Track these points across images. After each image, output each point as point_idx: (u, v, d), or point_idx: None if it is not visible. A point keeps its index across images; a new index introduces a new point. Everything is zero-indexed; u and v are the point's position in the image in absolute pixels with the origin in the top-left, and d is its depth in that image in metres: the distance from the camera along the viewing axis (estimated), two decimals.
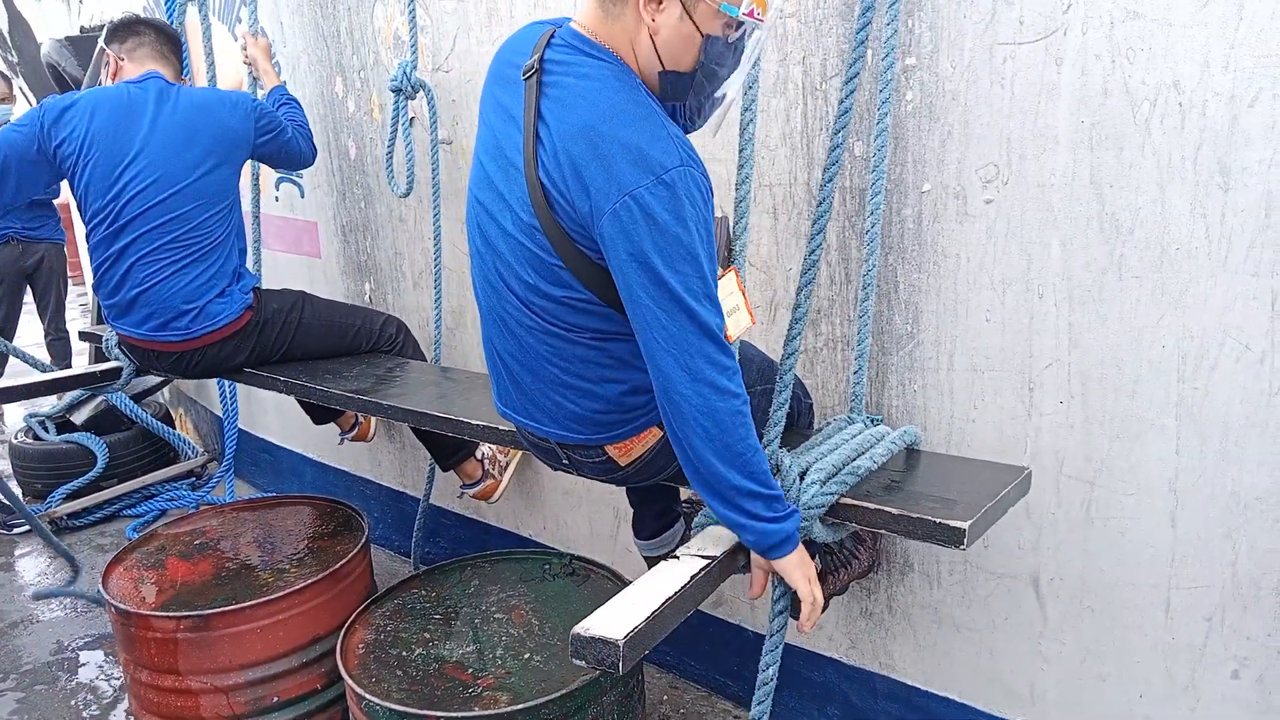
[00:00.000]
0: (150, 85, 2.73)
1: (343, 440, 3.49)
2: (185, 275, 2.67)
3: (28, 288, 5.62)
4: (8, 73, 6.34)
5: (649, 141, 1.49)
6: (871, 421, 2.03)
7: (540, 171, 1.56)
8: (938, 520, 1.63)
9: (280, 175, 3.81)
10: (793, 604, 2.09)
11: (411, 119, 3.03)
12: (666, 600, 1.48)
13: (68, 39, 5.20)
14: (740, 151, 1.71)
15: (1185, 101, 1.67)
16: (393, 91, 2.89)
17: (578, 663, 1.42)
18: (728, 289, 1.68)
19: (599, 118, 1.51)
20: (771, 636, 1.71)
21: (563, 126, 1.54)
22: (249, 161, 2.99)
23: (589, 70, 1.57)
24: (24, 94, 6.93)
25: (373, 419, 3.47)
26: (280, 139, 2.89)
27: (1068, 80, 1.78)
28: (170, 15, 3.21)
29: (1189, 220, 1.71)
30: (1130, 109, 1.72)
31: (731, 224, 1.74)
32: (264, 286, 3.02)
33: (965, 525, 1.60)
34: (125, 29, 2.83)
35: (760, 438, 1.80)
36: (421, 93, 2.91)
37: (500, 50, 1.74)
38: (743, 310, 1.72)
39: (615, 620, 1.42)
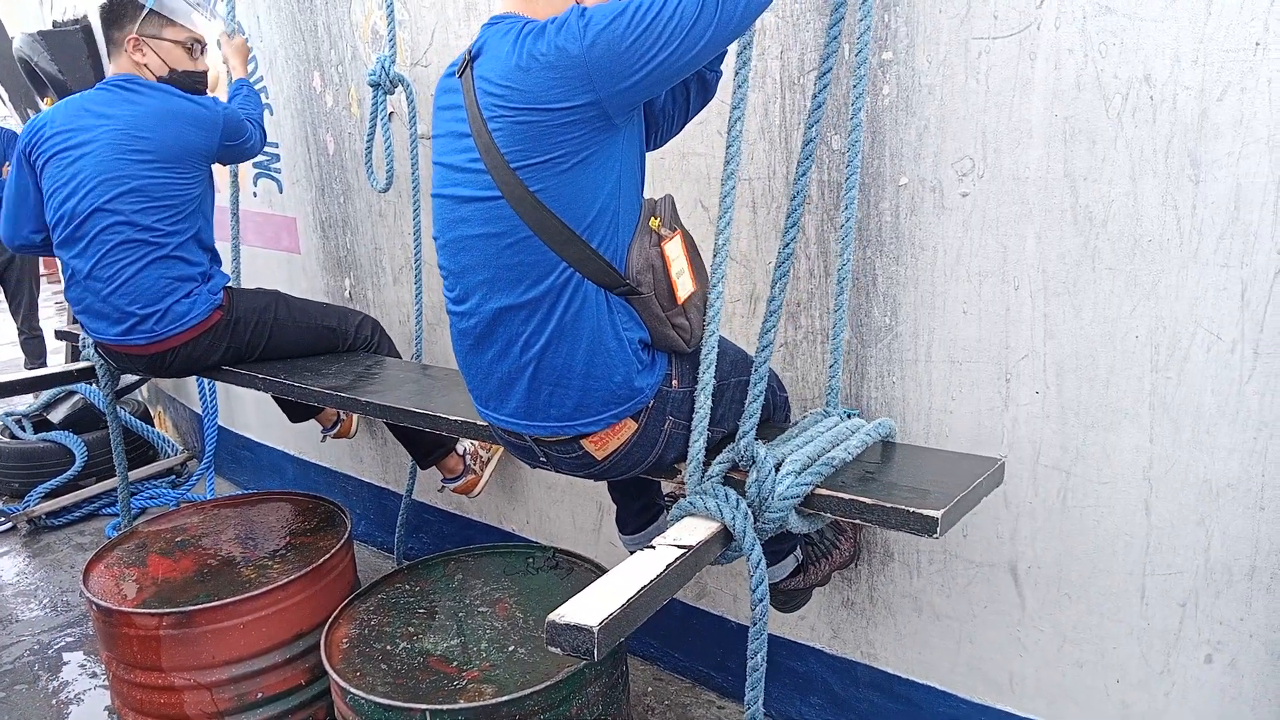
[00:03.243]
0: (115, 87, 2.69)
1: (325, 437, 3.48)
2: (145, 278, 2.64)
3: (0, 288, 5.58)
4: None
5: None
6: (848, 415, 2.05)
7: (487, 105, 1.63)
8: (911, 509, 1.65)
9: (258, 171, 3.79)
10: (774, 597, 2.10)
11: (390, 114, 3.02)
12: (642, 588, 1.49)
13: (40, 33, 5.13)
14: (728, 148, 1.73)
15: (1156, 95, 1.69)
16: (371, 86, 2.89)
17: (553, 650, 1.43)
18: (674, 252, 1.74)
19: (525, 36, 1.62)
20: (755, 625, 1.73)
21: (498, 64, 1.63)
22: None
23: (498, 28, 1.68)
24: None
25: (354, 415, 3.47)
26: (244, 145, 2.89)
27: (1041, 74, 1.80)
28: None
29: (1160, 212, 1.74)
30: (1103, 103, 1.75)
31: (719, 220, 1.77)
32: (243, 283, 3.01)
33: (938, 514, 1.62)
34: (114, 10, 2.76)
35: (735, 430, 1.82)
36: (400, 87, 2.90)
37: (438, 85, 1.84)
38: (688, 275, 1.77)
39: (590, 608, 1.44)
